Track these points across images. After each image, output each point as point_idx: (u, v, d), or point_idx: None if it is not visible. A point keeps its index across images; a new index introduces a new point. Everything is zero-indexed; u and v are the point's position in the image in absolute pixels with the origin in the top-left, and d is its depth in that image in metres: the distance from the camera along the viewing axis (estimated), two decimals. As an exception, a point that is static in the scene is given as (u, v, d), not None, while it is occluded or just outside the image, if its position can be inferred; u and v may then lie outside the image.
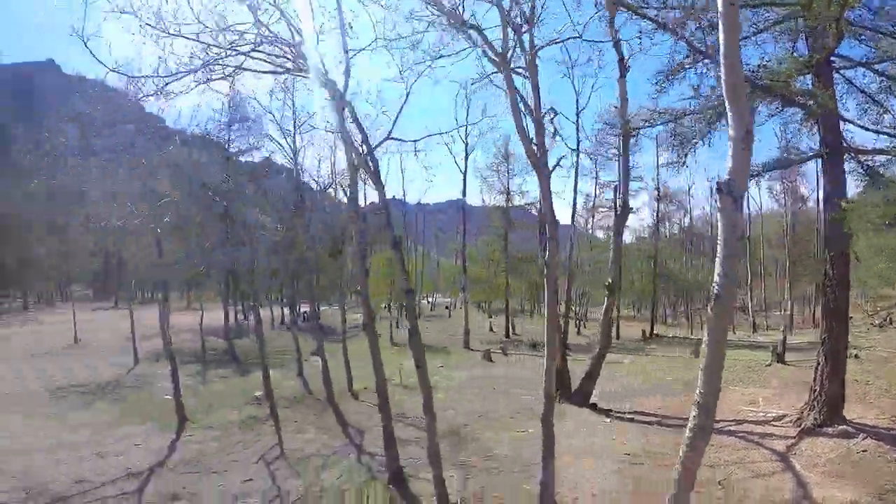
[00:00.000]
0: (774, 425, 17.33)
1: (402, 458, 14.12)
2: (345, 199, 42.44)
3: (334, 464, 15.43)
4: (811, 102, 15.98)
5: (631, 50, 20.59)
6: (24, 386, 26.61)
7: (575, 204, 50.13)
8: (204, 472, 15.09)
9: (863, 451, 14.20)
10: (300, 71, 11.03)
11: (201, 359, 32.63)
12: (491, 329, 52.42)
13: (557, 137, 13.13)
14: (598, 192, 56.79)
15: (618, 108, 22.27)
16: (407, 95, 12.72)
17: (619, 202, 23.29)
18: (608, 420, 19.24)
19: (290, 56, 10.75)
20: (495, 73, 16.22)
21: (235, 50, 10.34)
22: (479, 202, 58.86)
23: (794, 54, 17.20)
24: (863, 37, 16.57)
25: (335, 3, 11.07)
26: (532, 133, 11.26)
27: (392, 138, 12.17)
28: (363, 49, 12.27)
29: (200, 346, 33.85)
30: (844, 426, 15.64)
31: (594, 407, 20.80)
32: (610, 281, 23.21)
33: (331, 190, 41.23)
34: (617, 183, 49.57)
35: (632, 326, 51.42)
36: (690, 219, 69.94)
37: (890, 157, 16.41)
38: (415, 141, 13.21)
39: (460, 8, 11.79)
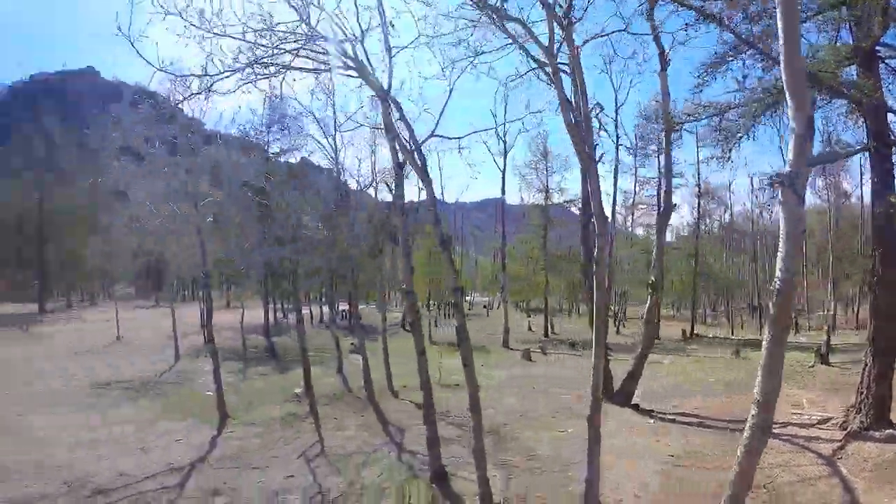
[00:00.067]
0: (820, 428, 16.94)
1: (443, 457, 14.01)
2: (383, 199, 42.83)
3: (375, 461, 15.40)
4: (858, 93, 15.47)
5: (671, 43, 20.29)
6: (68, 382, 27.14)
7: (615, 201, 49.56)
8: (244, 468, 15.17)
9: (911, 456, 13.80)
10: (345, 69, 11.03)
11: (242, 356, 33.06)
12: (530, 328, 52.26)
13: (602, 133, 12.89)
14: (637, 189, 56.20)
15: (658, 102, 21.93)
16: (450, 92, 12.65)
17: (661, 199, 22.94)
18: (651, 421, 18.97)
19: (334, 54, 10.77)
20: (535, 69, 16.14)
21: (281, 49, 10.39)
22: (517, 200, 58.54)
23: (838, 44, 16.74)
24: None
25: (377, 1, 11.07)
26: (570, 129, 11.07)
27: (436, 135, 12.10)
28: (406, 47, 12.27)
29: (241, 343, 34.25)
30: (891, 430, 15.21)
31: (636, 407, 20.53)
32: (653, 279, 22.90)
33: (370, 189, 41.38)
34: (657, 179, 49.38)
35: (671, 326, 50.68)
36: (731, 216, 68.63)
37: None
38: (458, 138, 13.12)
39: (504, 3, 11.69)
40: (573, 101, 11.82)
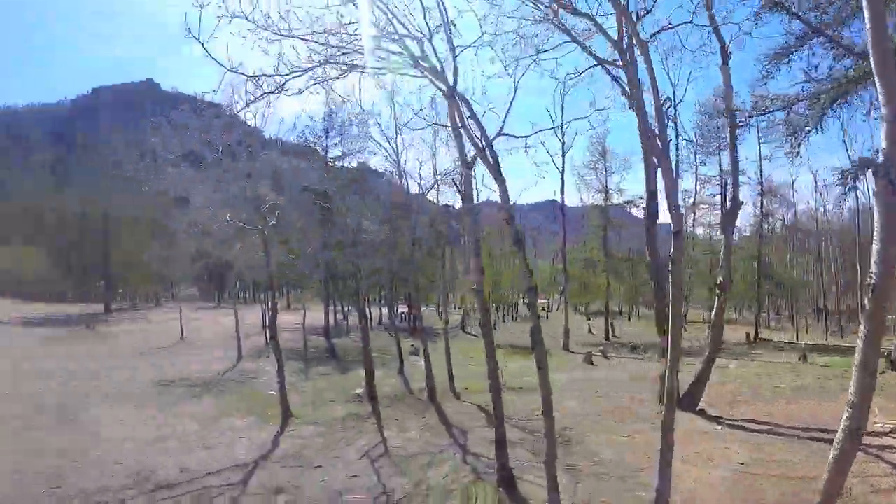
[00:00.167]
0: (893, 437, 16.21)
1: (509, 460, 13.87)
2: (443, 201, 42.83)
3: (440, 463, 15.32)
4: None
5: (736, 33, 19.61)
6: (134, 380, 27.92)
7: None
8: (307, 467, 15.28)
9: None
10: (413, 68, 10.99)
11: (303, 357, 33.49)
12: (590, 331, 51.75)
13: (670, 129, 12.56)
14: (698, 187, 54.87)
15: (719, 98, 21.30)
16: (515, 90, 12.51)
17: (727, 196, 22.26)
18: (718, 427, 18.44)
19: (402, 54, 10.75)
20: (594, 66, 15.83)
21: (349, 49, 10.44)
22: (574, 202, 57.77)
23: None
24: None
25: (438, 2, 11.02)
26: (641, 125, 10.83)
27: (503, 134, 11.97)
28: (469, 46, 12.17)
29: (302, 344, 34.69)
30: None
31: (702, 413, 19.98)
32: (721, 280, 22.18)
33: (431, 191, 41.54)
34: (719, 177, 48.19)
35: (734, 330, 49.37)
36: (795, 214, 66.21)
37: None
38: (525, 136, 12.94)
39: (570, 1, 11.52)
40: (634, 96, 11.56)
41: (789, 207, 63.20)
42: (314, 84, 10.78)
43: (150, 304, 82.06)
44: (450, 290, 48.80)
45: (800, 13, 15.71)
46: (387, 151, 26.54)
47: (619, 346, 42.18)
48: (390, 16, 10.38)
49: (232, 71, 9.82)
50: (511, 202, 12.03)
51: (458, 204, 54.01)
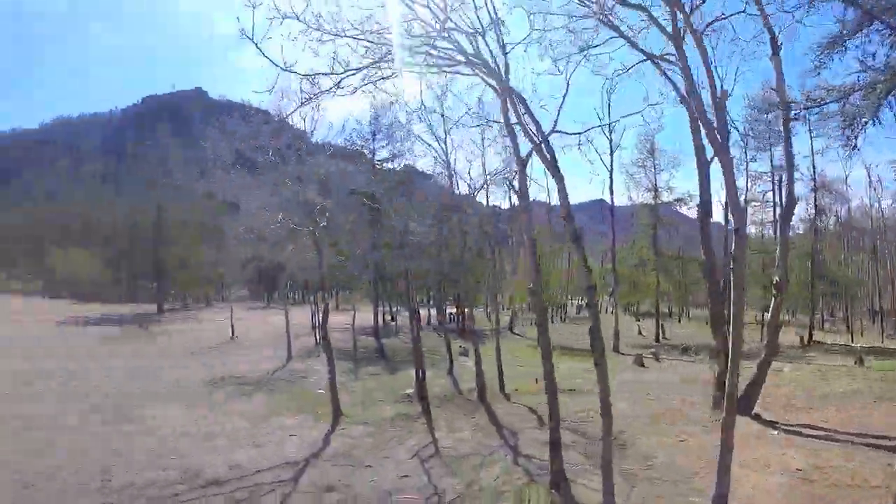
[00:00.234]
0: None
1: (558, 463, 13.76)
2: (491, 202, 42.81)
3: (491, 464, 15.24)
4: None
5: (790, 22, 19.03)
6: (186, 378, 28.50)
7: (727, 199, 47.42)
8: (357, 466, 15.38)
9: None
10: (466, 65, 11.00)
11: (352, 357, 33.76)
12: (640, 332, 51.08)
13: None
14: (749, 184, 53.48)
15: (770, 90, 20.65)
16: (567, 87, 12.46)
17: (783, 192, 21.64)
18: (774, 432, 17.96)
19: (454, 52, 10.77)
20: (643, 60, 15.62)
21: (402, 47, 10.51)
22: (622, 202, 56.98)
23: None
24: None
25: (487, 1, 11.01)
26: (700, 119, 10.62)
27: (556, 131, 11.90)
28: (519, 43, 12.16)
29: (352, 344, 34.98)
30: None
31: (757, 417, 19.46)
32: (777, 279, 21.47)
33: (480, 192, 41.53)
34: (770, 173, 46.98)
35: (787, 332, 48.10)
36: (849, 211, 63.86)
37: None
38: (578, 133, 12.85)
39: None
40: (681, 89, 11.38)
41: (843, 203, 61.14)
42: (367, 84, 10.87)
43: (201, 304, 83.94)
44: (498, 291, 48.69)
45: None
46: (436, 152, 26.64)
47: (670, 347, 41.48)
48: (444, 11, 10.40)
49: (287, 70, 9.97)
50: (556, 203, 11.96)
51: (505, 205, 53.99)
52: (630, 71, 17.42)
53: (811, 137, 43.14)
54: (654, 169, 50.26)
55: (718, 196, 36.64)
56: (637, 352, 35.68)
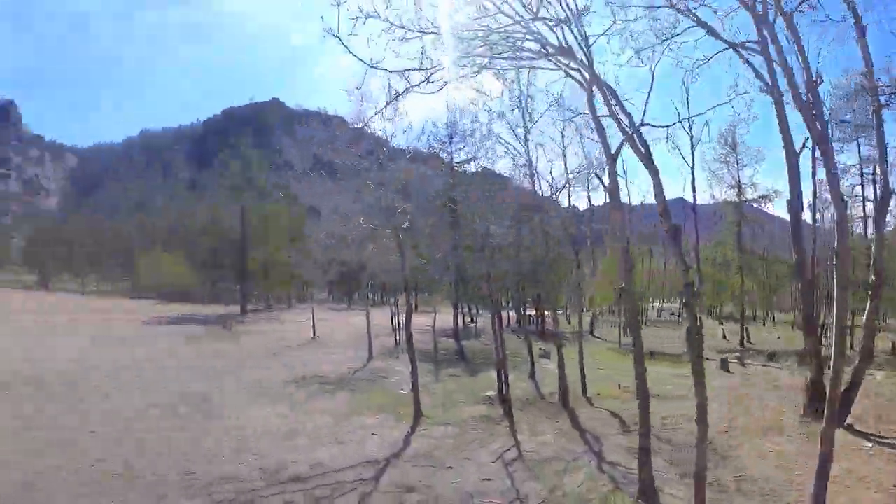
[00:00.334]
0: None
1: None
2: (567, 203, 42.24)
3: (575, 469, 14.87)
4: None
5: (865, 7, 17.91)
6: (269, 377, 28.97)
7: (815, 193, 45.29)
8: (439, 468, 15.22)
9: None
10: (554, 56, 10.79)
11: (433, 358, 33.81)
12: (724, 336, 49.49)
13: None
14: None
15: (857, 76, 19.43)
16: (652, 78, 12.04)
17: (877, 184, 20.36)
18: (868, 444, 16.94)
19: (536, 44, 10.61)
20: (724, 49, 14.98)
21: (486, 42, 10.42)
22: (703, 199, 55.21)
23: None
24: None
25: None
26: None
27: (645, 124, 11.51)
28: (602, 34, 11.86)
29: (432, 346, 35.08)
30: None
31: (850, 428, 18.29)
32: (873, 278, 19.95)
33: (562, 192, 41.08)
34: (858, 165, 44.45)
35: (879, 337, 45.32)
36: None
37: None
38: (666, 126, 12.43)
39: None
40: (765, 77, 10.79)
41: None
42: (455, 80, 10.83)
43: (284, 305, 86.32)
44: (580, 293, 48.13)
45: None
46: (517, 151, 26.34)
47: (755, 352, 40.02)
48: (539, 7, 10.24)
49: (374, 67, 10.01)
50: (636, 203, 11.56)
51: (582, 206, 53.09)
52: (710, 61, 16.78)
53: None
54: (737, 164, 48.31)
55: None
56: (722, 356, 34.48)
